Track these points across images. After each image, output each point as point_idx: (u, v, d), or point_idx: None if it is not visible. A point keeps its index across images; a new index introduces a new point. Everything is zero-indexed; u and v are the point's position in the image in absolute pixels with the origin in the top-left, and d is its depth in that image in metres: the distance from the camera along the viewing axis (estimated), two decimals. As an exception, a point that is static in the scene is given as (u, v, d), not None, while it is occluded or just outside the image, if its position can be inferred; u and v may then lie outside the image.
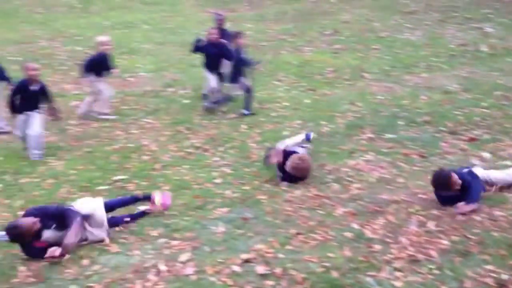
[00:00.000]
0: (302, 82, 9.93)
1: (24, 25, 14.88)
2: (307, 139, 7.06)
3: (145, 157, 7.20)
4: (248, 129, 8.03)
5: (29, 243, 4.74)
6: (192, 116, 8.64)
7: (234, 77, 8.62)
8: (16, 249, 4.86)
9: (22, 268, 4.53)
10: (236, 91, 8.87)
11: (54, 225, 4.81)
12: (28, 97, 7.23)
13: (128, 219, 5.38)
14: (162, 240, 4.98)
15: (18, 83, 7.37)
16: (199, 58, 9.23)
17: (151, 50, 12.40)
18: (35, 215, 4.79)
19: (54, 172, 6.82)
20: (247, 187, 6.16)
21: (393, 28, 13.40)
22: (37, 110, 7.35)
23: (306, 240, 4.84)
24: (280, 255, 4.56)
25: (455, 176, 5.28)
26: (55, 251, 4.63)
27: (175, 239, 4.99)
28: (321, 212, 5.42)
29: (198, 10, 15.82)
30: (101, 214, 5.12)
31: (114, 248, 4.83)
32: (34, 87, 7.25)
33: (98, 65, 8.67)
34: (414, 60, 11.00)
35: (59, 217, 4.85)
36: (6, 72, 8.39)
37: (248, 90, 8.57)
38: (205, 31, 12.91)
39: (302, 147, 6.75)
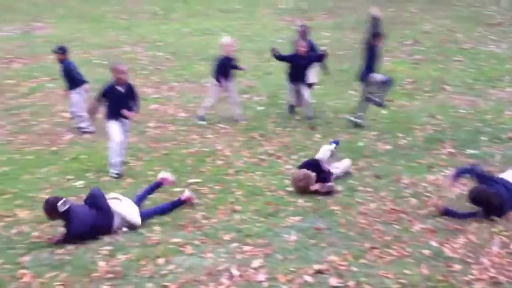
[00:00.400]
0: (379, 93, 9.72)
1: (110, 30, 15.58)
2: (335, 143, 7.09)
3: (219, 162, 7.29)
4: (322, 138, 7.96)
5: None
6: (266, 123, 8.69)
7: (365, 75, 8.16)
8: (97, 244, 5.07)
9: (102, 263, 4.71)
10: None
11: None
12: (116, 99, 6.92)
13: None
14: (235, 244, 5.02)
15: (105, 86, 7.05)
16: (274, 66, 9.27)
17: (228, 57, 12.58)
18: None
19: (133, 172, 7.04)
20: (320, 197, 6.09)
21: (477, 40, 12.90)
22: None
23: (381, 255, 4.72)
24: (354, 269, 4.47)
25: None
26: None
27: (247, 244, 5.01)
28: (397, 227, 5.27)
29: (275, 18, 15.94)
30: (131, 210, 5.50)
31: (189, 249, 4.92)
32: (120, 88, 6.94)
33: (223, 68, 8.66)
34: (498, 73, 10.53)
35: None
36: (81, 75, 8.67)
37: (367, 98, 8.24)
38: (281, 39, 13.02)
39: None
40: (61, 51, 8.59)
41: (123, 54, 13.08)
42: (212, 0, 18.29)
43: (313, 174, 6.14)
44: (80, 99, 8.51)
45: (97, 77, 11.24)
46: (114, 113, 6.93)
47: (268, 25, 15.29)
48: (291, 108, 8.95)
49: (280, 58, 8.75)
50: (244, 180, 6.64)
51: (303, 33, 9.34)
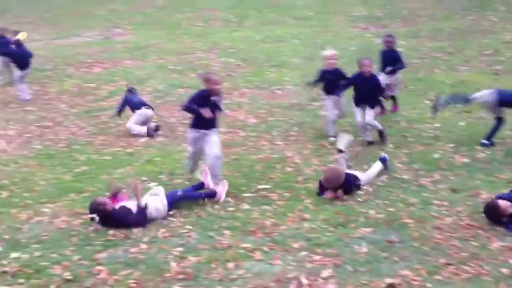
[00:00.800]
0: (456, 103, 9.38)
1: (185, 37, 15.99)
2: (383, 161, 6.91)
3: (288, 169, 7.26)
4: (395, 149, 7.76)
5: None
6: (336, 131, 8.56)
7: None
8: (169, 244, 5.19)
9: (173, 264, 4.81)
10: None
11: None
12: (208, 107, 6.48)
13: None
14: (304, 253, 4.98)
15: (198, 91, 6.72)
16: (348, 71, 9.11)
17: (299, 64, 12.58)
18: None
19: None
20: (392, 209, 5.93)
21: None
22: (215, 129, 6.66)
23: (457, 271, 4.53)
24: (428, 285, 4.32)
25: (503, 204, 5.24)
26: None
27: (316, 253, 4.96)
28: (474, 243, 5.04)
29: (348, 26, 15.75)
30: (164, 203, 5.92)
31: (258, 255, 4.93)
32: (214, 98, 6.58)
33: (321, 81, 8.32)
34: None
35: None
36: (140, 102, 9.18)
37: (500, 120, 7.66)
38: (354, 47, 12.86)
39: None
40: (129, 90, 9.51)
41: (196, 60, 13.39)
42: (286, 7, 18.36)
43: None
44: (138, 118, 8.98)
45: (171, 82, 11.64)
46: (201, 123, 6.57)
47: (341, 32, 15.13)
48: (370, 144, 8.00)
49: (344, 86, 8.06)
50: (313, 188, 6.58)
51: (389, 44, 9.00)
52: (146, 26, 17.99)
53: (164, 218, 5.81)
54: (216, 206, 6.08)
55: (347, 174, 6.38)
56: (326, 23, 16.30)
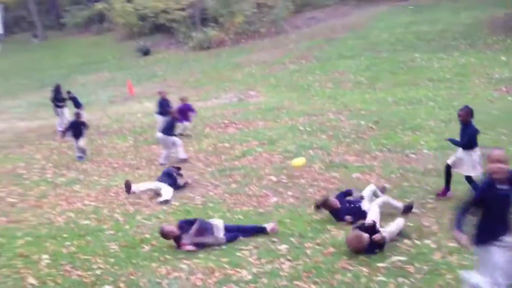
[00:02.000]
0: None
1: (315, 99, 16.24)
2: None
3: (426, 241, 6.81)
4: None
5: (177, 242, 7.02)
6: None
7: None
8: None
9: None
10: None
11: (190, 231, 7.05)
12: (497, 204, 4.49)
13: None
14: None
15: (483, 183, 4.67)
16: (488, 139, 8.54)
17: (435, 128, 12.09)
18: (178, 227, 7.11)
19: (334, 240, 6.98)
20: None
21: None
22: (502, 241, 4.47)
23: None
24: None
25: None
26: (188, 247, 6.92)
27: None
28: None
29: (488, 88, 14.93)
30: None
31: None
32: (502, 187, 4.45)
33: None
34: None
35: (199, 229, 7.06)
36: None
37: None
38: (496, 110, 12.02)
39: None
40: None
41: (327, 121, 13.46)
42: (421, 69, 17.96)
43: (366, 235, 6.46)
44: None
45: (301, 143, 11.77)
46: (494, 231, 4.33)
47: (481, 94, 14.37)
48: None
49: None
50: (455, 262, 6.10)
51: (460, 117, 8.10)
52: (278, 88, 18.61)
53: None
54: (349, 275, 5.85)
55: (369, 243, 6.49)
56: (465, 85, 15.60)
